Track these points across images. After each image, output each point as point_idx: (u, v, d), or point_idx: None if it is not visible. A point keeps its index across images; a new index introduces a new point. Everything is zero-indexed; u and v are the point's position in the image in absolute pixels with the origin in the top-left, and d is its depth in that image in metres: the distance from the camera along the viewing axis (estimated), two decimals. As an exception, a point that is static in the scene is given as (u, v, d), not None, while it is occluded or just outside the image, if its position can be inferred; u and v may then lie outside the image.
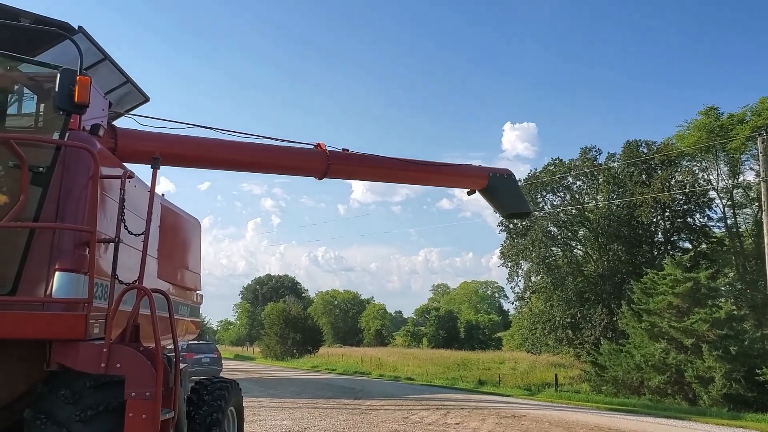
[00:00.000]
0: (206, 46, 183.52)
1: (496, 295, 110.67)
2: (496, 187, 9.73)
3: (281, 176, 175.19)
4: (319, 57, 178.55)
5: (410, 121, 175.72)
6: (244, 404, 9.25)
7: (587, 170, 46.41)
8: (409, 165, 9.78)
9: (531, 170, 52.49)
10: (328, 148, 9.43)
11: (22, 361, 5.15)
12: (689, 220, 42.81)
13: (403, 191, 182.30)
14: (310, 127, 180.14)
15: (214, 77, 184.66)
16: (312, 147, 9.49)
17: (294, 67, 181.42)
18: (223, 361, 35.56)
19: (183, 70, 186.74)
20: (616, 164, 45.92)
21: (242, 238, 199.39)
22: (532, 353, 49.66)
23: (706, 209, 42.22)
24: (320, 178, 9.65)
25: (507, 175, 10.05)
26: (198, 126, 8.80)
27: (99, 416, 4.46)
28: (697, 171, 42.23)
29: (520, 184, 42.37)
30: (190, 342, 28.18)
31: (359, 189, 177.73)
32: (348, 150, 9.61)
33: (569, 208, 47.53)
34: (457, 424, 17.57)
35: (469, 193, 9.85)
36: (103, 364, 4.51)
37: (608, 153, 47.28)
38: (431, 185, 10.01)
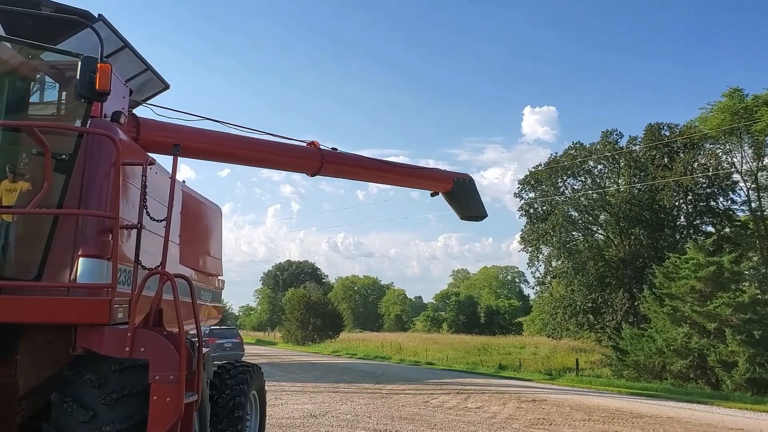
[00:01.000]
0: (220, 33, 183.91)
1: (517, 280, 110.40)
2: (458, 191, 10.26)
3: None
4: (334, 45, 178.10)
5: (428, 107, 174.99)
6: (266, 388, 9.35)
7: (608, 154, 45.93)
8: (389, 166, 10.23)
9: (551, 154, 52.12)
10: (321, 147, 9.67)
11: (48, 345, 5.24)
12: (712, 203, 42.26)
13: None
14: (324, 115, 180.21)
15: (228, 63, 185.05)
16: (305, 144, 9.65)
17: (306, 54, 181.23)
18: (244, 346, 35.92)
19: (191, 53, 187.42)
20: (637, 148, 45.39)
21: (262, 224, 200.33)
22: (553, 338, 49.49)
23: (730, 192, 41.63)
24: (312, 176, 9.93)
25: (468, 180, 10.58)
26: (206, 118, 8.80)
27: (124, 399, 4.53)
28: (720, 154, 41.61)
29: (541, 168, 42.13)
30: (212, 327, 28.51)
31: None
32: (337, 149, 9.81)
33: (590, 192, 47.13)
34: (478, 408, 17.61)
35: (432, 195, 10.23)
36: (127, 348, 4.57)
37: (630, 136, 46.75)
38: (405, 186, 10.51)
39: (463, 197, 10.33)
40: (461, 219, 10.95)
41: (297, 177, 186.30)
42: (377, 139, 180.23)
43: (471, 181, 10.66)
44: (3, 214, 4.83)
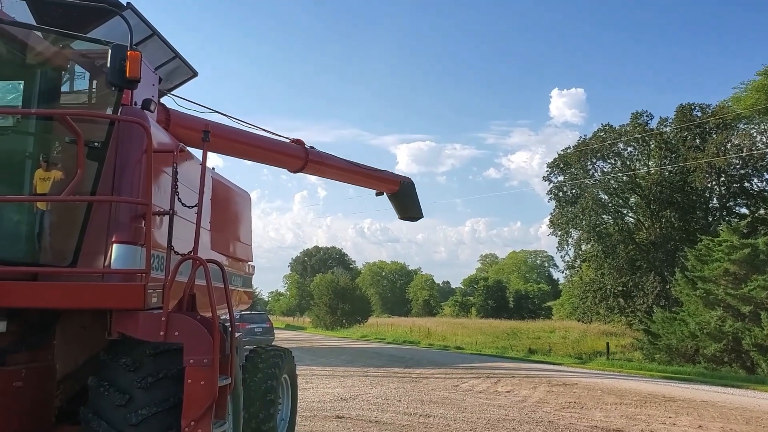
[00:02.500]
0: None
1: (546, 265, 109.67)
2: (402, 192, 10.87)
3: (326, 150, 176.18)
4: (359, 31, 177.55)
5: (454, 91, 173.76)
6: (297, 372, 9.44)
7: (638, 136, 45.22)
8: (356, 167, 10.49)
9: (580, 137, 51.41)
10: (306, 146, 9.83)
11: (84, 330, 5.34)
12: (746, 184, 41.45)
13: (449, 161, 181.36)
14: (347, 100, 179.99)
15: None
16: (288, 140, 9.74)
17: (330, 39, 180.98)
18: (274, 331, 36.25)
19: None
20: (668, 129, 44.61)
21: (289, 210, 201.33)
22: (583, 322, 49.14)
23: (765, 173, 40.73)
24: (294, 173, 10.24)
25: (411, 183, 11.21)
26: (214, 111, 8.81)
27: (159, 383, 4.59)
28: (755, 134, 40.68)
29: (569, 151, 41.69)
30: (242, 312, 28.80)
31: (404, 160, 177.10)
32: (314, 148, 9.99)
33: (620, 174, 46.50)
34: (508, 392, 17.59)
35: (377, 194, 10.64)
36: (162, 333, 4.62)
37: (660, 117, 45.90)
38: (364, 186, 11.13)
39: (405, 198, 10.92)
40: (400, 218, 11.59)
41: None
42: (402, 124, 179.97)
43: (413, 184, 11.26)
44: (38, 202, 4.91)
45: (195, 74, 8.47)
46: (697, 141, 42.39)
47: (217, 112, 8.80)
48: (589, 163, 48.06)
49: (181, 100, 8.06)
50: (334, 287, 68.12)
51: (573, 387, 19.00)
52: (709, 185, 42.11)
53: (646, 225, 45.57)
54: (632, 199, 47.17)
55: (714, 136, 40.96)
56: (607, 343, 35.97)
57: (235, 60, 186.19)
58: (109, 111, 5.17)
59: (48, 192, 4.88)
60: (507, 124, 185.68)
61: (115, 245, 4.83)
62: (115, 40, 4.86)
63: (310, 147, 10.01)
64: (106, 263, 4.82)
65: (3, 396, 4.75)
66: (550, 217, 50.45)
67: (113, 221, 4.94)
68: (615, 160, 47.84)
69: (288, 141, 9.81)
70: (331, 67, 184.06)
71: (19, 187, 5.12)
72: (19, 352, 4.98)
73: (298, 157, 9.50)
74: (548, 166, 50.94)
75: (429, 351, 37.32)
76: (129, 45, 4.75)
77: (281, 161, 9.98)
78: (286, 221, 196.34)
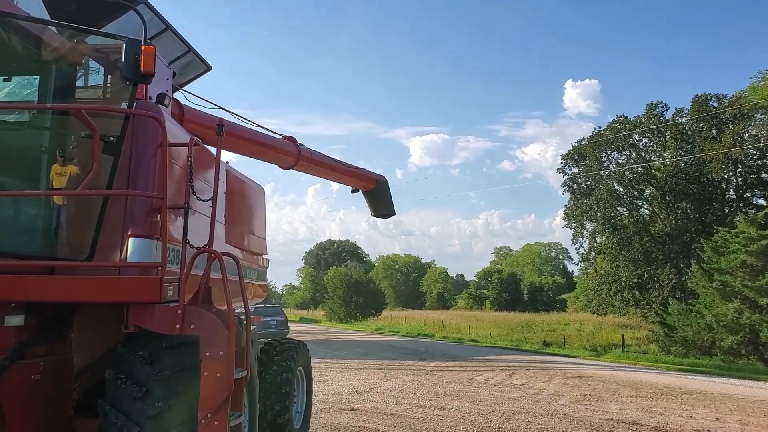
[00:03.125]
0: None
1: (560, 257, 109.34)
2: (378, 190, 11.18)
3: (338, 143, 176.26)
4: (372, 24, 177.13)
5: (466, 83, 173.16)
6: (312, 365, 9.47)
7: (654, 127, 44.87)
8: (340, 166, 10.64)
9: (595, 128, 50.98)
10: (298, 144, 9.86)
11: (101, 323, 5.37)
12: (764, 175, 41.08)
13: (462, 154, 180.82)
14: (361, 91, 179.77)
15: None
16: (280, 137, 9.73)
17: (343, 31, 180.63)
18: (289, 324, 36.39)
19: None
20: (684, 120, 44.22)
21: (302, 204, 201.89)
22: (598, 314, 48.94)
23: (783, 164, 40.32)
24: (286, 169, 10.21)
25: (385, 181, 11.50)
26: (219, 107, 8.80)
27: (176, 375, 4.61)
28: (772, 124, 40.25)
29: (584, 143, 41.56)
30: (257, 305, 28.94)
31: (417, 153, 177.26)
32: (303, 145, 10.11)
33: (635, 166, 46.17)
34: (523, 384, 17.56)
35: (353, 191, 10.84)
36: (178, 325, 4.64)
37: (675, 108, 45.54)
38: (345, 183, 11.20)
39: (380, 196, 11.18)
40: (373, 216, 11.73)
41: (335, 157, 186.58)
42: (414, 116, 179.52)
43: (387, 182, 11.54)
44: (55, 197, 4.94)
45: (208, 68, 8.48)
46: (714, 132, 42.00)
47: (220, 107, 8.80)
48: (603, 154, 47.78)
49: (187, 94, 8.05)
50: (347, 280, 68.27)
51: (588, 379, 18.94)
52: (726, 176, 41.75)
53: (661, 217, 45.26)
54: (647, 191, 46.85)
55: (731, 126, 40.56)
56: (623, 336, 35.81)
57: (246, 54, 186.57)
58: (123, 105, 5.19)
59: (65, 187, 4.91)
60: (520, 116, 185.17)
61: (131, 239, 4.85)
62: (129, 34, 4.87)
63: (300, 144, 10.05)
64: (123, 257, 4.84)
65: (21, 389, 4.79)
66: (564, 209, 50.33)
67: (129, 215, 4.97)
68: (630, 152, 47.51)
69: (280, 138, 9.82)
70: (342, 61, 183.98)
71: (36, 182, 5.15)
72: (37, 346, 5.02)
73: (291, 154, 9.54)
74: (562, 157, 50.74)
75: (443, 344, 37.33)
76: (143, 39, 4.76)
77: (275, 158, 9.98)
78: (300, 215, 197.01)
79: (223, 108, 8.92)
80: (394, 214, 11.93)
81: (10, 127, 5.26)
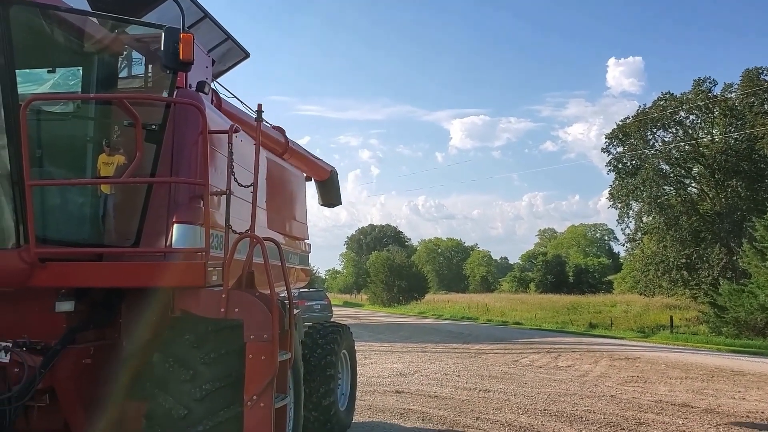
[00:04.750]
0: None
1: (606, 238, 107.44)
2: (330, 179, 11.55)
3: (377, 128, 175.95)
4: (408, 4, 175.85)
5: (507, 64, 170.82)
6: (356, 348, 9.54)
7: (701, 103, 43.57)
8: (312, 158, 10.65)
9: (639, 106, 49.68)
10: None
11: (148, 308, 5.49)
12: (818, 150, 39.55)
13: (504, 135, 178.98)
14: (400, 75, 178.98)
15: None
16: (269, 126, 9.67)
17: (380, 13, 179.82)
18: (332, 308, 36.71)
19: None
20: (733, 95, 42.84)
21: (343, 189, 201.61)
22: (645, 295, 48.02)
23: (839, 138, 38.77)
24: None
25: (336, 173, 11.92)
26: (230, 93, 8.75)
27: (221, 358, 4.70)
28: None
29: (628, 121, 40.57)
30: (301, 290, 29.27)
31: (457, 135, 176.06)
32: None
33: (682, 144, 45.01)
34: (569, 366, 17.40)
35: (307, 179, 10.87)
36: (222, 310, 4.72)
37: (724, 83, 44.08)
38: (311, 174, 11.11)
39: (331, 185, 11.62)
40: (321, 204, 12.01)
41: (374, 141, 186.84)
42: (455, 99, 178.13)
43: (337, 173, 11.95)
44: (101, 186, 5.05)
45: (247, 55, 8.54)
46: (765, 106, 40.62)
47: (234, 96, 8.77)
48: (649, 133, 46.64)
49: None
50: (389, 265, 68.43)
51: (636, 361, 18.65)
52: (779, 152, 40.40)
53: (710, 195, 44.10)
54: (695, 169, 45.67)
55: (784, 100, 39.21)
56: (671, 317, 35.11)
57: (286, 39, 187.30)
58: (164, 94, 5.26)
59: (111, 176, 5.01)
60: (562, 95, 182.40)
61: (175, 225, 4.93)
62: (168, 23, 4.92)
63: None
64: (168, 243, 4.93)
65: (73, 373, 4.94)
66: (609, 189, 49.35)
67: (173, 202, 5.05)
68: (676, 129, 46.29)
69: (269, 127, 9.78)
70: (382, 45, 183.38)
71: (82, 171, 5.26)
72: (87, 331, 5.17)
73: (281, 144, 9.55)
74: (606, 137, 49.63)
75: (487, 327, 37.20)
76: (181, 28, 4.80)
77: (267, 147, 10.00)
78: (342, 200, 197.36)
79: (235, 96, 8.85)
80: (341, 203, 12.32)
81: (56, 118, 5.38)
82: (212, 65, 6.94)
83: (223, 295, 4.76)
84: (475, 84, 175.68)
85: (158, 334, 4.99)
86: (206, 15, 6.98)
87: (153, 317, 5.06)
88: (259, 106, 6.11)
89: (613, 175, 48.69)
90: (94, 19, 5.43)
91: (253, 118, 6.43)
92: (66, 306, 4.98)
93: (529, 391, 12.91)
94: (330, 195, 12.05)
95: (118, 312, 5.35)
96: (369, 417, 10.40)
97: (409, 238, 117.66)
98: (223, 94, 7.80)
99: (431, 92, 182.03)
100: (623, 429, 9.77)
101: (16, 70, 4.64)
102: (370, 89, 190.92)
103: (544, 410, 11.00)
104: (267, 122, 9.82)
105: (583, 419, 10.37)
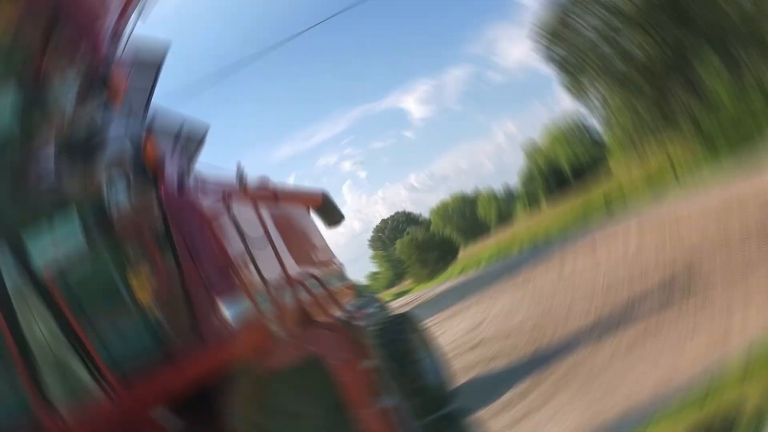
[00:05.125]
0: None
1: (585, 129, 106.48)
2: (324, 203, 10.91)
3: (345, 137, 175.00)
4: None
5: (418, 27, 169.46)
6: (423, 326, 9.57)
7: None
8: (300, 193, 10.34)
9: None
10: None
11: (243, 374, 5.50)
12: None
13: (453, 86, 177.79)
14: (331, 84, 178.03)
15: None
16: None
17: None
18: (388, 304, 36.64)
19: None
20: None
21: (344, 204, 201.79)
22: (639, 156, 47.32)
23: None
24: None
25: (326, 194, 11.25)
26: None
27: (319, 394, 4.76)
28: None
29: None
30: (355, 303, 29.32)
31: (414, 109, 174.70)
32: None
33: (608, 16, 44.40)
34: (609, 251, 17.36)
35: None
36: (297, 352, 4.78)
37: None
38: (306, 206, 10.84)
39: (328, 208, 11.07)
40: (328, 227, 11.34)
41: (349, 150, 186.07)
42: (394, 80, 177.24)
43: (328, 194, 11.39)
44: (141, 298, 5.05)
45: (206, 132, 8.47)
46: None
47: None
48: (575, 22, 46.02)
49: None
50: (415, 245, 68.51)
51: (653, 224, 18.51)
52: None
53: (651, 52, 43.60)
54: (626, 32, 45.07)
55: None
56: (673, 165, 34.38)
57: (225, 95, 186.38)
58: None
59: (145, 286, 5.01)
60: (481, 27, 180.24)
61: (221, 302, 4.95)
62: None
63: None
64: (222, 322, 4.94)
65: None
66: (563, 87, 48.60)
67: (209, 285, 5.06)
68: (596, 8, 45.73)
69: None
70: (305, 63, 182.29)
71: (119, 298, 5.26)
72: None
73: (270, 193, 9.53)
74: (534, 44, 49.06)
75: (520, 256, 37.12)
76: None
77: (262, 200, 9.96)
78: (347, 212, 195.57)
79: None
80: (344, 217, 12.16)
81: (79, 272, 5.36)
82: (184, 148, 6.88)
83: (293, 342, 4.80)
84: (403, 58, 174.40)
85: (254, 402, 5.02)
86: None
87: (249, 377, 5.07)
88: (239, 164, 6.13)
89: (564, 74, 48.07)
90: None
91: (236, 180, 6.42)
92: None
93: (585, 294, 12.89)
94: (331, 216, 11.99)
95: (216, 399, 5.36)
96: (464, 378, 10.47)
97: (420, 213, 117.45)
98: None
99: (374, 83, 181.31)
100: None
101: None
102: (320, 107, 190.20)
103: (604, 302, 11.01)
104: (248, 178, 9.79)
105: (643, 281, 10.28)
